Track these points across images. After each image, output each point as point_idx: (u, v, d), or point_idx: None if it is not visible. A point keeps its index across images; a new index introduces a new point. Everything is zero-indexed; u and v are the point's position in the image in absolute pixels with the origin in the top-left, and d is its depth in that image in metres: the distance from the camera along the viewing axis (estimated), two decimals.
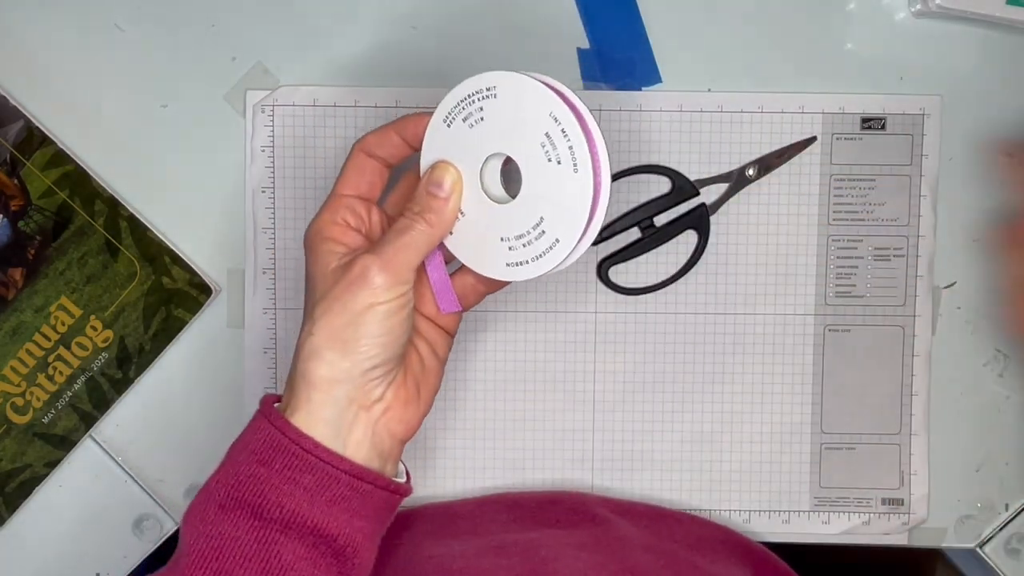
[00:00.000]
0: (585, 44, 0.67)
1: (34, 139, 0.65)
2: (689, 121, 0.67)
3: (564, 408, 0.68)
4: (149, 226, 0.67)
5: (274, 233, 0.67)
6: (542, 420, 0.68)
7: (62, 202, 0.66)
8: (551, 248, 0.53)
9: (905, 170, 0.67)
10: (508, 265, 0.55)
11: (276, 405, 0.54)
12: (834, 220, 0.68)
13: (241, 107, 0.67)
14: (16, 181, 0.65)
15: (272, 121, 0.67)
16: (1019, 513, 0.70)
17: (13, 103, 0.65)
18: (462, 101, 0.54)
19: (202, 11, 0.66)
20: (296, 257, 0.68)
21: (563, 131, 0.51)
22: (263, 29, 0.67)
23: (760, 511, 0.69)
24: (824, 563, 0.72)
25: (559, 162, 0.52)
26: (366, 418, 0.54)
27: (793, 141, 0.67)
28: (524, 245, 0.54)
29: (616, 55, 0.67)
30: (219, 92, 0.67)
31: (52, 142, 0.66)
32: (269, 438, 0.53)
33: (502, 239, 0.54)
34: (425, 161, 0.56)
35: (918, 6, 0.66)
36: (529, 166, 0.53)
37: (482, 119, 0.53)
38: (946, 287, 0.69)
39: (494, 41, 0.67)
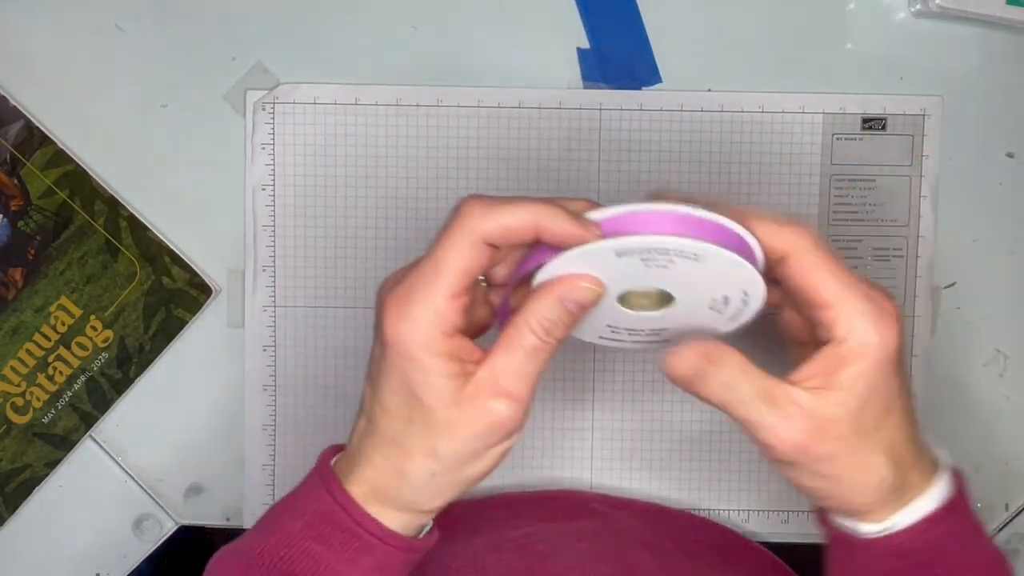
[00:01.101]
0: (585, 44, 0.67)
1: (34, 139, 0.65)
2: (689, 121, 0.67)
3: (563, 407, 0.68)
4: (149, 226, 0.67)
5: (274, 231, 0.67)
6: (541, 419, 0.68)
7: (62, 202, 0.66)
8: (660, 344, 0.52)
9: (905, 170, 0.67)
10: (603, 338, 0.52)
11: (336, 462, 0.51)
12: (834, 220, 0.68)
13: (241, 107, 0.67)
14: (16, 181, 0.65)
15: (272, 119, 0.67)
16: (1019, 513, 0.70)
17: (13, 103, 0.65)
18: (655, 250, 0.46)
19: (202, 11, 0.66)
20: (295, 255, 0.68)
21: (744, 301, 0.48)
22: (263, 29, 0.67)
23: (759, 511, 0.69)
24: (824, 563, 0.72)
25: (719, 312, 0.49)
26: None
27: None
28: (635, 340, 0.52)
29: (616, 55, 0.67)
30: (219, 92, 0.67)
31: (52, 142, 0.66)
32: (329, 512, 0.49)
33: (610, 327, 0.51)
34: (561, 266, 0.48)
35: (918, 6, 0.66)
36: (688, 305, 0.49)
37: (666, 268, 0.47)
38: (946, 287, 0.69)
39: (494, 41, 0.67)
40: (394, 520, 0.49)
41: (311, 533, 0.49)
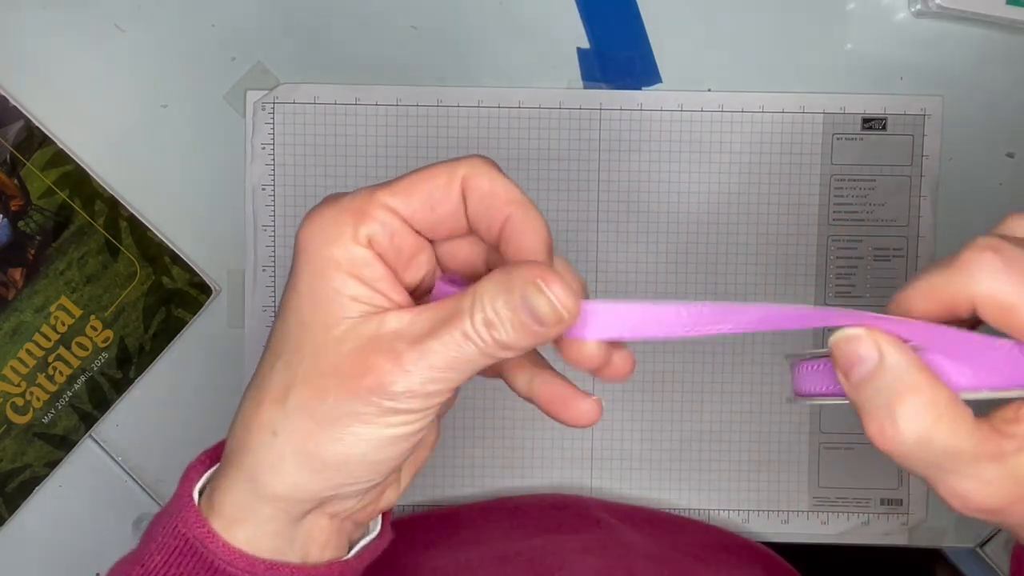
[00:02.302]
0: (585, 44, 0.67)
1: (34, 139, 0.65)
2: (689, 121, 0.67)
3: None
4: (149, 226, 0.67)
5: (274, 231, 0.67)
6: (540, 420, 0.68)
7: (62, 202, 0.66)
8: None
9: (905, 170, 0.67)
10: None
11: (203, 484, 0.42)
12: (834, 220, 0.68)
13: (241, 107, 0.67)
14: (16, 181, 0.65)
15: (272, 119, 0.67)
16: None
17: (13, 103, 0.65)
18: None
19: (202, 11, 0.66)
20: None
21: None
22: (263, 29, 0.67)
23: (759, 511, 0.69)
24: (824, 563, 0.72)
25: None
26: (329, 524, 0.41)
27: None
28: None
29: (616, 55, 0.67)
30: (219, 92, 0.67)
31: (52, 142, 0.66)
32: (188, 547, 0.40)
33: None
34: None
35: (918, 6, 0.66)
36: None
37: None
38: None
39: (494, 41, 0.67)
40: (277, 548, 0.39)
41: (167, 567, 0.40)
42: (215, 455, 0.42)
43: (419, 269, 0.40)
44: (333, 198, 0.39)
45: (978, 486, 0.36)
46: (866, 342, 0.37)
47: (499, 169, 0.39)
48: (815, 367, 0.40)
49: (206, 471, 0.42)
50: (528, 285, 0.36)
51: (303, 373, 0.37)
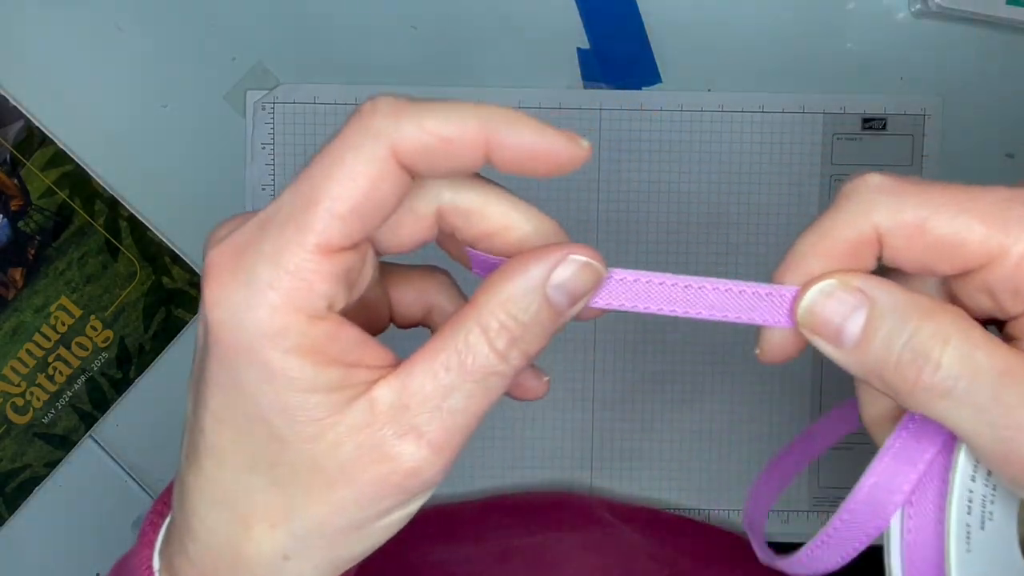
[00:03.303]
0: (585, 44, 0.67)
1: (34, 139, 0.65)
2: (689, 121, 0.67)
3: (563, 407, 0.68)
4: (149, 226, 0.67)
5: None
6: (541, 419, 0.68)
7: (62, 202, 0.66)
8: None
9: (905, 171, 0.67)
10: None
11: (156, 549, 0.35)
12: None
13: (241, 107, 0.67)
14: (16, 181, 0.65)
15: (273, 119, 0.67)
16: None
17: (13, 103, 0.65)
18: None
19: (202, 11, 0.66)
20: None
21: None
22: (263, 29, 0.67)
23: None
24: None
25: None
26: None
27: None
28: None
29: (616, 55, 0.67)
30: (219, 92, 0.67)
31: (52, 142, 0.66)
32: None
33: None
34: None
35: (918, 6, 0.66)
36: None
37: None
38: None
39: (494, 41, 0.67)
40: None
41: None
42: (163, 509, 0.36)
43: (366, 276, 0.31)
44: (234, 251, 0.29)
45: None
46: (841, 290, 0.31)
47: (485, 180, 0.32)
48: (824, 541, 0.35)
49: (161, 527, 0.35)
50: (553, 264, 0.29)
51: (304, 492, 0.30)
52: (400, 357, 0.31)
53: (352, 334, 0.29)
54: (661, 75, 0.67)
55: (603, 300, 0.31)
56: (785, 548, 0.69)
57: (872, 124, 0.67)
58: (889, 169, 0.67)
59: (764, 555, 0.36)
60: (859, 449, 0.69)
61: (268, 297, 0.28)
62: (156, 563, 0.34)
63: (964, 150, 0.68)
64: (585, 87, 0.67)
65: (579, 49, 0.67)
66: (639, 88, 0.67)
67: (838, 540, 0.34)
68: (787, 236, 0.68)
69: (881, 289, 0.30)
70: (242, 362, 0.29)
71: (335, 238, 0.28)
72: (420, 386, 0.29)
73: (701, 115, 0.67)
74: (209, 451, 0.31)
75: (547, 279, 0.29)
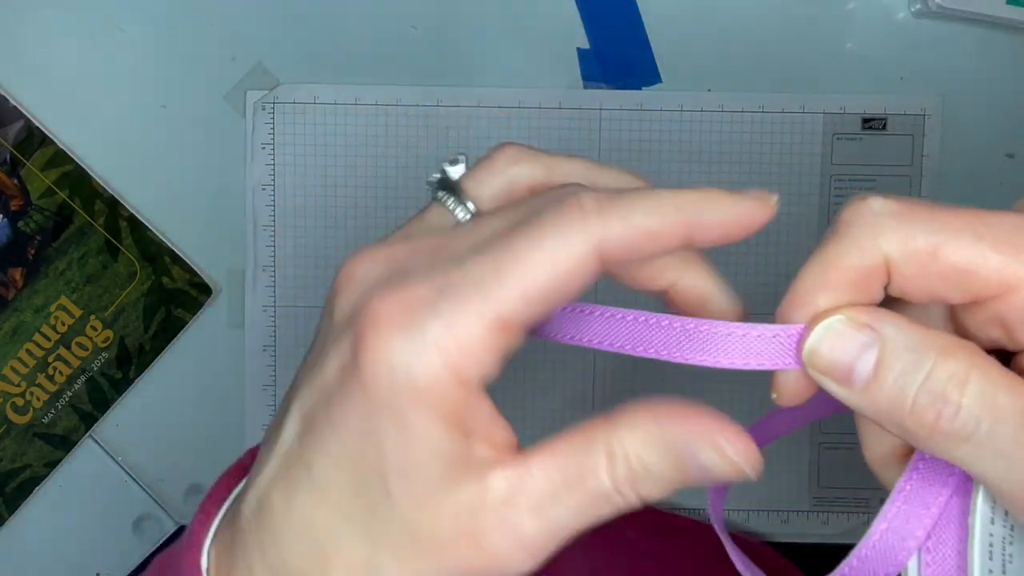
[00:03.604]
0: (585, 44, 0.67)
1: (34, 139, 0.65)
2: (689, 121, 0.67)
3: (563, 407, 0.68)
4: (149, 226, 0.67)
5: (274, 231, 0.67)
6: (541, 420, 0.68)
7: (62, 202, 0.66)
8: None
9: (905, 171, 0.67)
10: None
11: (218, 526, 0.35)
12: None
13: (241, 107, 0.67)
14: (16, 181, 0.65)
15: (272, 119, 0.67)
16: None
17: (13, 103, 0.65)
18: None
19: (202, 11, 0.66)
20: (295, 255, 0.67)
21: None
22: (263, 29, 0.67)
23: (759, 511, 0.69)
24: (824, 563, 0.72)
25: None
26: None
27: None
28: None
29: (616, 55, 0.67)
30: (219, 92, 0.67)
31: (52, 142, 0.66)
32: None
33: None
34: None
35: (918, 6, 0.66)
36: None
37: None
38: None
39: (494, 41, 0.67)
40: None
41: None
42: (229, 485, 0.37)
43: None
44: (406, 305, 0.28)
45: None
46: (850, 328, 0.29)
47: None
48: None
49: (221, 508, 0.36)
50: (698, 441, 0.30)
51: (392, 553, 0.29)
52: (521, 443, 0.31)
53: (488, 410, 0.30)
54: (661, 75, 0.67)
55: (585, 337, 0.32)
56: (785, 548, 0.69)
57: (872, 124, 0.67)
58: (889, 169, 0.68)
59: (737, 557, 0.36)
60: (859, 449, 0.69)
61: (432, 358, 0.28)
62: (204, 562, 0.34)
63: (964, 150, 0.68)
64: (585, 87, 0.67)
65: (579, 49, 0.67)
66: (639, 88, 0.67)
67: None
68: (787, 236, 0.68)
69: (892, 325, 0.29)
70: (385, 415, 0.29)
71: (515, 317, 0.29)
72: (534, 487, 0.29)
73: (701, 115, 0.67)
74: (312, 489, 0.30)
75: (691, 450, 0.30)
